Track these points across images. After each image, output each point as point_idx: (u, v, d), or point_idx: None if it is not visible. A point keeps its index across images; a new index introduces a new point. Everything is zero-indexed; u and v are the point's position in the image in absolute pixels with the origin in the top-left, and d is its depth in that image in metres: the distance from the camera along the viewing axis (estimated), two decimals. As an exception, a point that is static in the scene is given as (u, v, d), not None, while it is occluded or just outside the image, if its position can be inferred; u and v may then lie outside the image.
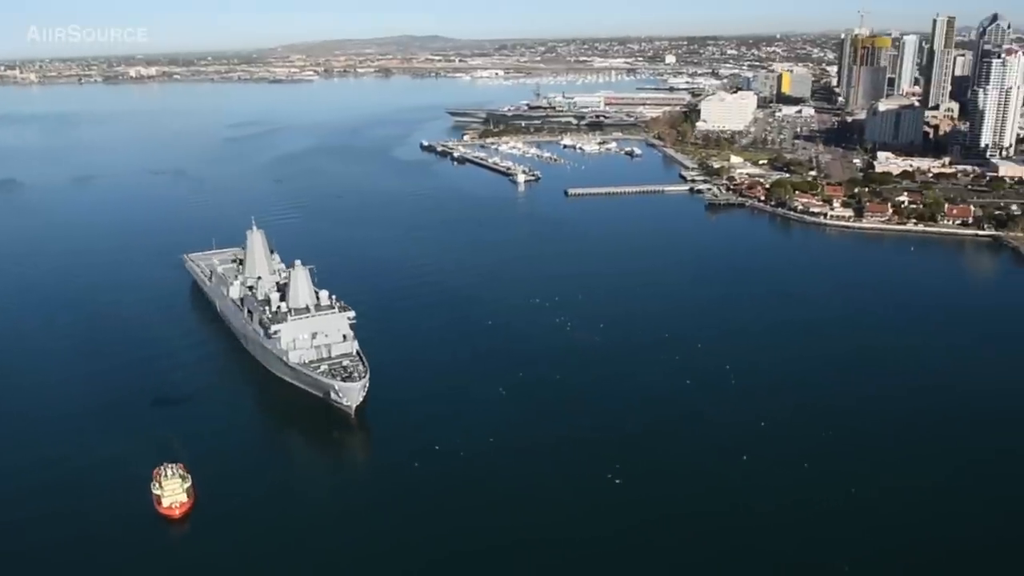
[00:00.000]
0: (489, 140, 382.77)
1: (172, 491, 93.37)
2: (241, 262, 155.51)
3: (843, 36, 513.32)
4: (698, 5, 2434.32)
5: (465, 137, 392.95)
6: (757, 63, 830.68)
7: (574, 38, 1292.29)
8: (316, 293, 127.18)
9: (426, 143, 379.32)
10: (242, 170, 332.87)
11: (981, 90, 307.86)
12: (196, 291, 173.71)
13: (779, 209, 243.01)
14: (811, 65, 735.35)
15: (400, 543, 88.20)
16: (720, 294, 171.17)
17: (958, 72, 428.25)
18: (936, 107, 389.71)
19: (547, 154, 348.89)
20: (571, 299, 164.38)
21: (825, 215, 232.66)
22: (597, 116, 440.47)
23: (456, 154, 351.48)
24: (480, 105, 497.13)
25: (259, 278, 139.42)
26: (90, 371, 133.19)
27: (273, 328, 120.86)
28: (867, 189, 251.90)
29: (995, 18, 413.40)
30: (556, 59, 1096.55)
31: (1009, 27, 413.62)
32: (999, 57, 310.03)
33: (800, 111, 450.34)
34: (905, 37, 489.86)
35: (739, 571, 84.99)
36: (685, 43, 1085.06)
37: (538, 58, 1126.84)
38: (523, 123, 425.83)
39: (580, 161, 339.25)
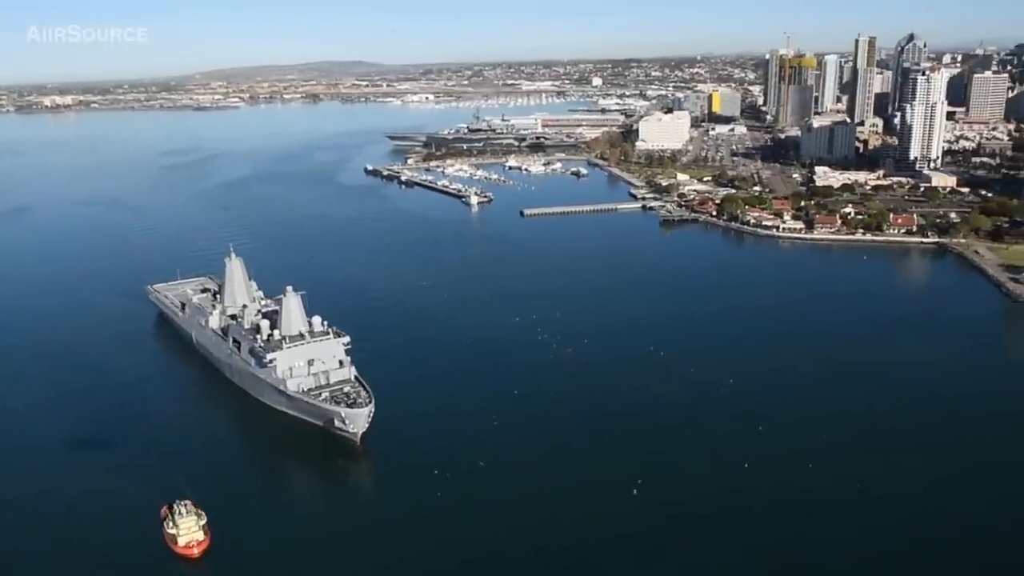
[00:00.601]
0: (434, 163, 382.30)
1: (188, 529, 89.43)
2: (216, 291, 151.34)
3: (767, 57, 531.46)
4: (621, 30, 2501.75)
5: (409, 161, 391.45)
6: (682, 84, 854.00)
7: (500, 62, 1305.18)
8: (309, 319, 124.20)
9: (371, 167, 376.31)
10: (186, 198, 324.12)
11: (908, 105, 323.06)
12: (162, 322, 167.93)
13: (732, 223, 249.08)
14: (734, 85, 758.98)
15: (427, 568, 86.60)
16: (694, 308, 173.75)
17: (877, 89, 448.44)
18: (861, 123, 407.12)
19: (495, 176, 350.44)
20: (549, 316, 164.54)
21: (778, 228, 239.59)
22: (537, 138, 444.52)
23: (403, 178, 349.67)
24: (417, 129, 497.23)
25: (244, 306, 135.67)
26: (64, 404, 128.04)
27: (268, 356, 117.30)
28: (812, 202, 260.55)
29: (911, 38, 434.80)
30: (483, 83, 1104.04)
31: (925, 46, 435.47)
32: (923, 74, 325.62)
33: (732, 129, 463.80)
34: (826, 57, 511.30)
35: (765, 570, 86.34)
36: (609, 66, 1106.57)
37: (465, 82, 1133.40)
38: (465, 146, 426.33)
39: (528, 182, 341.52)
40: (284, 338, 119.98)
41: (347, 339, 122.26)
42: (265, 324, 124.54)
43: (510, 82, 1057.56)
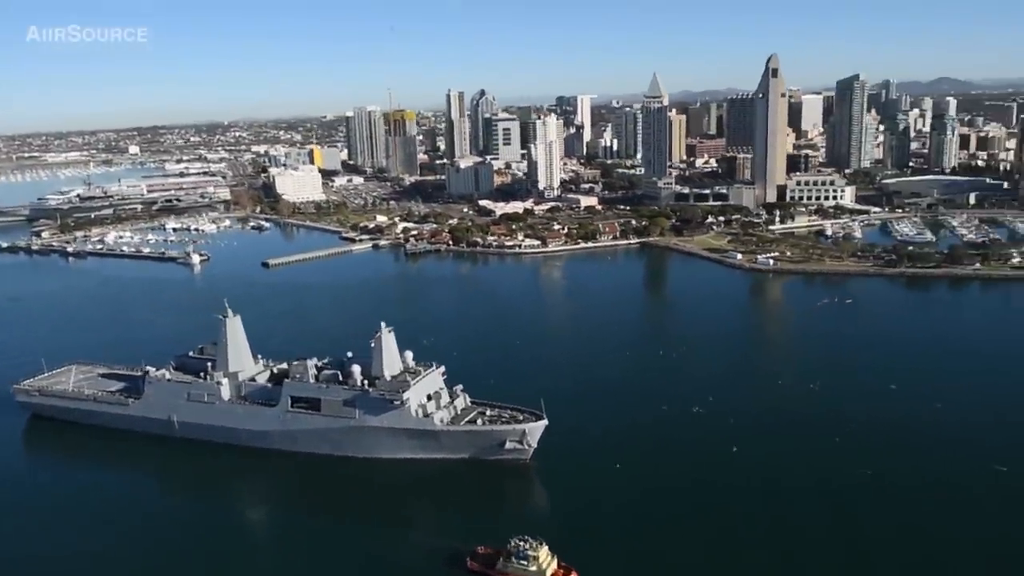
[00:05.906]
0: (80, 234, 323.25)
1: (546, 560, 78.23)
2: (177, 366, 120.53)
3: (352, 114, 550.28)
4: (142, 99, 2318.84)
5: (44, 234, 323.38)
6: (231, 147, 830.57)
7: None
8: (401, 355, 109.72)
9: (5, 244, 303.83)
10: None
11: (532, 145, 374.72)
12: (38, 424, 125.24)
13: (477, 248, 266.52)
14: (285, 144, 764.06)
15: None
16: (580, 316, 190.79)
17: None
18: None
19: (172, 238, 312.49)
20: (452, 337, 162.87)
21: (519, 246, 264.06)
22: (168, 200, 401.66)
23: (71, 249, 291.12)
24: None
25: (302, 360, 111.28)
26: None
27: (404, 396, 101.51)
28: (523, 224, 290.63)
29: (483, 92, 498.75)
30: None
31: (494, 99, 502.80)
32: (540, 119, 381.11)
33: (351, 180, 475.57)
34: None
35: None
36: (136, 133, 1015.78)
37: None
38: (92, 215, 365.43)
39: (215, 240, 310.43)
40: (404, 375, 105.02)
41: (443, 368, 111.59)
42: (356, 369, 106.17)
43: (26, 154, 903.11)
